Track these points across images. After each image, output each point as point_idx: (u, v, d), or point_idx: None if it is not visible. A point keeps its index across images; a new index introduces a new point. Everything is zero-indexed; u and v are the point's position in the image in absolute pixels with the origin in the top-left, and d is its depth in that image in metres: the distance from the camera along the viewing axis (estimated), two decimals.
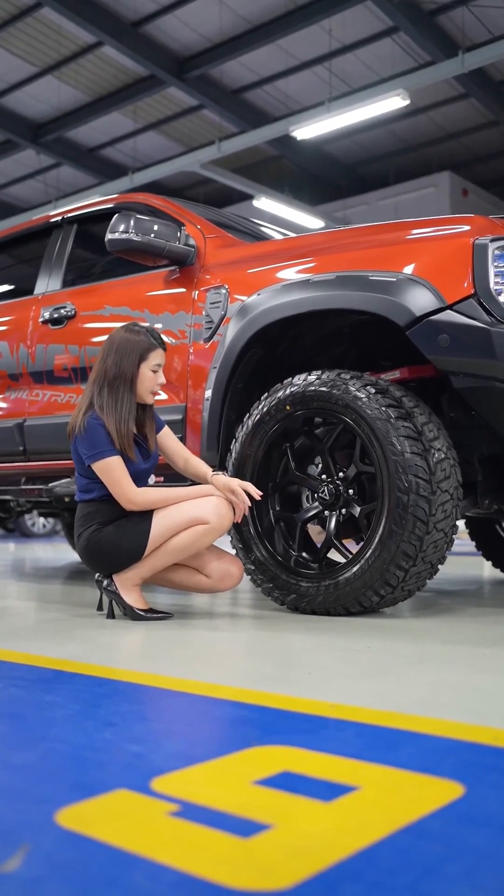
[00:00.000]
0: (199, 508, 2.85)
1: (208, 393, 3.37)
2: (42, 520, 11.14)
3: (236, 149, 13.92)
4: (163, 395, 3.57)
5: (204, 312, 3.46)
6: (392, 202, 16.68)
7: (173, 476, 3.57)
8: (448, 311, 2.73)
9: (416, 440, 2.75)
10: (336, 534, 3.03)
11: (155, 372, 2.99)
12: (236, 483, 2.93)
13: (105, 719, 1.54)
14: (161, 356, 3.02)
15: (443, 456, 2.78)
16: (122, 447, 2.89)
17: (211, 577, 3.03)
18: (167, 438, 3.17)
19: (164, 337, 3.58)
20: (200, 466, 3.12)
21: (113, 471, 2.86)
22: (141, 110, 14.83)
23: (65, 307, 4.13)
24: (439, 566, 2.89)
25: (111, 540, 2.87)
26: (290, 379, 3.11)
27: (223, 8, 11.79)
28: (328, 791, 1.14)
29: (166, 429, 3.19)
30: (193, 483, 3.52)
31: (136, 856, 0.93)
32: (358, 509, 2.98)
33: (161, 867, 0.91)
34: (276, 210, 15.24)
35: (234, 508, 2.92)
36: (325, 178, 17.39)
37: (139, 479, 2.97)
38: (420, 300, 2.77)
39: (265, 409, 3.12)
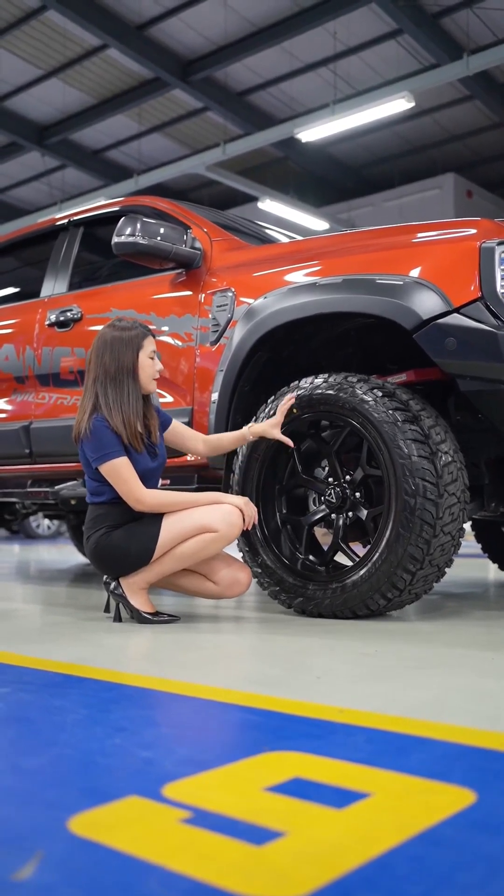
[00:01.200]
0: (209, 516, 2.85)
1: (215, 396, 3.38)
2: (46, 521, 11.15)
3: (241, 151, 13.92)
4: (169, 398, 3.58)
5: (210, 315, 3.46)
6: (397, 204, 16.67)
7: (179, 478, 3.58)
8: (455, 315, 2.73)
9: (422, 443, 2.74)
10: (343, 537, 3.03)
11: (152, 359, 3.02)
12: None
13: (114, 724, 1.54)
14: (153, 342, 3.04)
15: (450, 459, 2.78)
16: (130, 441, 2.89)
17: (219, 584, 3.03)
18: (178, 428, 3.21)
19: (170, 339, 3.60)
20: (225, 435, 3.19)
21: (120, 472, 2.86)
22: (146, 113, 14.84)
23: (71, 310, 4.13)
24: (446, 569, 2.89)
25: (120, 544, 2.87)
26: (296, 382, 3.12)
27: (228, 11, 11.80)
28: (340, 798, 1.14)
29: (175, 421, 3.21)
30: (201, 485, 3.53)
31: (148, 863, 0.93)
32: (365, 512, 2.97)
33: (174, 875, 0.90)
34: (280, 212, 15.23)
35: (243, 516, 2.92)
36: (330, 179, 17.39)
37: (149, 480, 2.97)
38: (427, 303, 2.77)
39: (271, 413, 3.12)
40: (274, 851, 0.96)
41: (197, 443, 3.22)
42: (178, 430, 3.21)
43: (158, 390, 3.54)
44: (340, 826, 1.05)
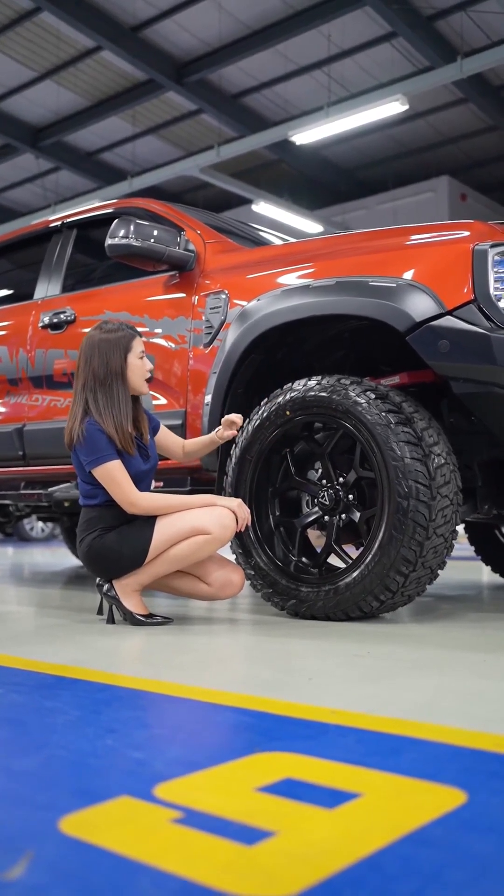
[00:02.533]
0: (202, 518, 2.85)
1: (208, 398, 3.38)
2: (40, 524, 11.13)
3: (235, 153, 13.93)
4: (162, 400, 3.58)
5: (204, 317, 3.47)
6: (391, 207, 16.72)
7: (173, 480, 3.58)
8: (448, 317, 2.73)
9: (415, 445, 2.75)
10: (336, 539, 3.04)
11: (141, 359, 3.02)
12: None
13: (106, 726, 1.54)
14: (141, 343, 3.04)
15: (443, 461, 2.79)
16: (123, 445, 2.89)
17: (212, 586, 3.03)
18: (165, 435, 3.25)
19: (163, 342, 3.60)
20: (199, 439, 3.26)
21: (114, 475, 2.86)
22: (140, 115, 14.85)
23: (64, 312, 4.13)
24: (439, 571, 2.90)
25: (113, 546, 2.87)
26: (289, 384, 3.12)
27: (222, 13, 11.82)
28: (331, 798, 1.15)
29: (163, 427, 3.25)
30: (194, 487, 3.53)
31: (139, 863, 0.93)
32: (358, 514, 2.98)
33: (165, 875, 0.91)
34: (274, 214, 15.26)
35: (236, 517, 2.92)
36: (324, 182, 17.42)
37: (141, 482, 2.97)
38: (420, 306, 2.78)
39: (265, 415, 3.12)
40: (264, 851, 0.97)
41: (178, 450, 3.28)
42: (165, 436, 3.25)
43: (152, 392, 3.55)
44: (331, 826, 1.05)
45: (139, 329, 3.62)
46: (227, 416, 3.14)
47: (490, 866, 0.94)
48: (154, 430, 3.18)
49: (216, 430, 3.19)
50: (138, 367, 2.99)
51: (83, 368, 2.99)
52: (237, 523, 2.91)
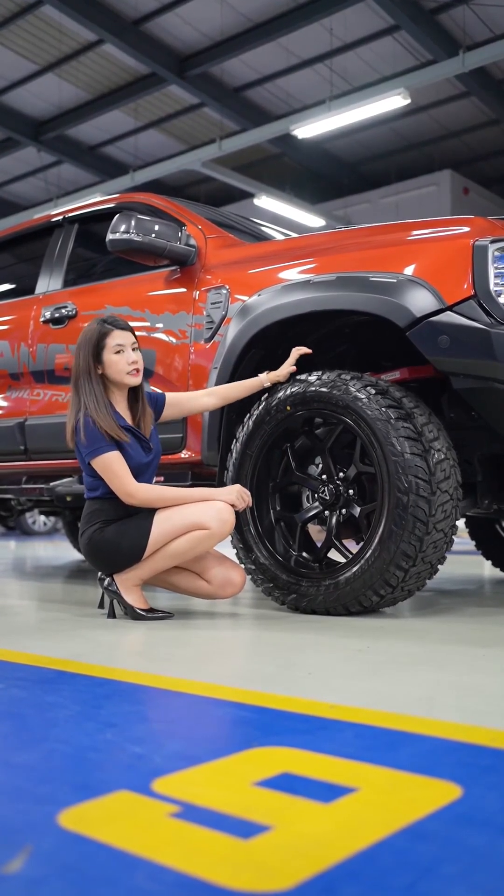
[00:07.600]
0: (201, 513, 2.86)
1: None
2: (43, 518, 11.15)
3: (237, 147, 13.90)
4: None
5: (205, 312, 3.47)
6: (393, 200, 16.68)
7: (174, 476, 3.59)
8: (448, 313, 2.74)
9: (416, 441, 2.75)
10: (336, 534, 3.04)
11: (120, 353, 2.97)
12: None
13: (106, 720, 1.55)
14: (120, 336, 2.98)
15: (443, 456, 2.79)
16: (112, 435, 2.89)
17: (212, 584, 3.04)
18: (175, 399, 3.22)
19: (164, 336, 3.60)
20: (237, 384, 3.22)
21: (112, 465, 2.87)
22: (142, 108, 14.81)
23: (66, 307, 4.14)
24: (439, 566, 2.90)
25: (112, 539, 2.88)
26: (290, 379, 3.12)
27: (224, 6, 11.78)
28: (327, 792, 1.15)
29: (168, 395, 3.22)
30: (195, 482, 3.54)
31: (137, 857, 0.94)
32: (358, 509, 2.98)
33: (162, 868, 0.92)
34: (276, 208, 15.23)
35: (236, 511, 2.92)
36: (327, 176, 17.38)
37: (143, 474, 2.98)
38: (420, 301, 2.78)
39: (265, 410, 3.13)
40: (261, 845, 0.97)
41: (200, 399, 3.23)
42: (177, 400, 3.22)
43: (153, 387, 3.55)
44: (327, 820, 1.06)
45: (141, 324, 3.63)
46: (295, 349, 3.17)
47: (484, 860, 0.94)
48: (158, 411, 3.17)
49: (265, 372, 3.18)
50: (114, 362, 2.97)
51: (73, 365, 3.06)
52: (241, 503, 2.92)
